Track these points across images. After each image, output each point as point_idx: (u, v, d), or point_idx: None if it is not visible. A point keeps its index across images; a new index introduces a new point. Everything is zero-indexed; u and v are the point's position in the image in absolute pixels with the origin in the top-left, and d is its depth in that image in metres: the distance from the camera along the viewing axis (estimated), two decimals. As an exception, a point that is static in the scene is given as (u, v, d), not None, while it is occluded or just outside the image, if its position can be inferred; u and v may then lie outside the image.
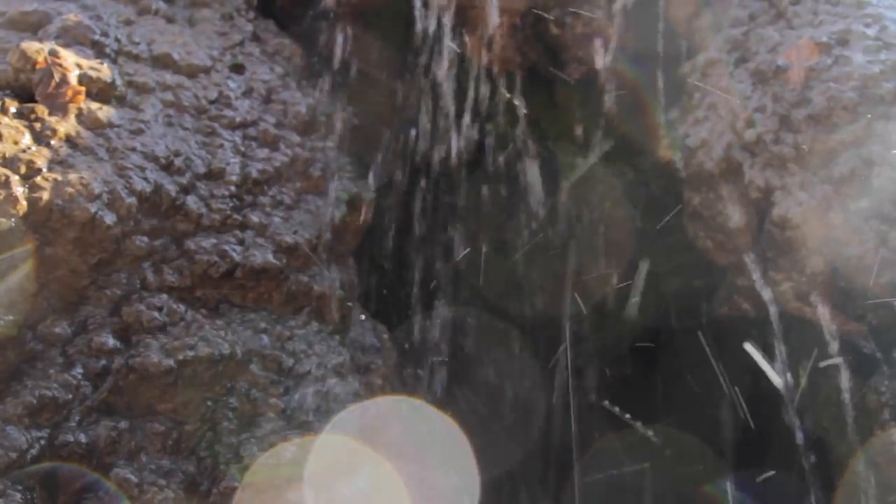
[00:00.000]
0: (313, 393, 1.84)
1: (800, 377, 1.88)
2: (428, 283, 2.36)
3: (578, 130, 2.40)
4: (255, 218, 1.94)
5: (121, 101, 1.93)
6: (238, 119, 2.06)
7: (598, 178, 2.41)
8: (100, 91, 1.90)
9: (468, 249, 2.40)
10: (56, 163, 1.73)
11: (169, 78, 2.03)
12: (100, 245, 1.73)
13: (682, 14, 2.30)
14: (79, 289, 1.73)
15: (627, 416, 2.33)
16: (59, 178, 1.70)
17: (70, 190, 1.70)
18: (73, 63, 1.88)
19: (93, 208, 1.71)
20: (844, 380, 1.80)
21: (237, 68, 2.17)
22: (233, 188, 1.95)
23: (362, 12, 2.36)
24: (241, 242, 1.91)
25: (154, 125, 1.93)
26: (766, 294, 1.92)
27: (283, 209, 2.00)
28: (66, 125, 1.80)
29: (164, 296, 1.79)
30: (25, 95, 1.82)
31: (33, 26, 2.01)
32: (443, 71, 2.30)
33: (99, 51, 1.99)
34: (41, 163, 1.71)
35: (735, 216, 2.04)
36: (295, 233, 1.97)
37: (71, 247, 1.70)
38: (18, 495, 1.51)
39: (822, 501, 1.83)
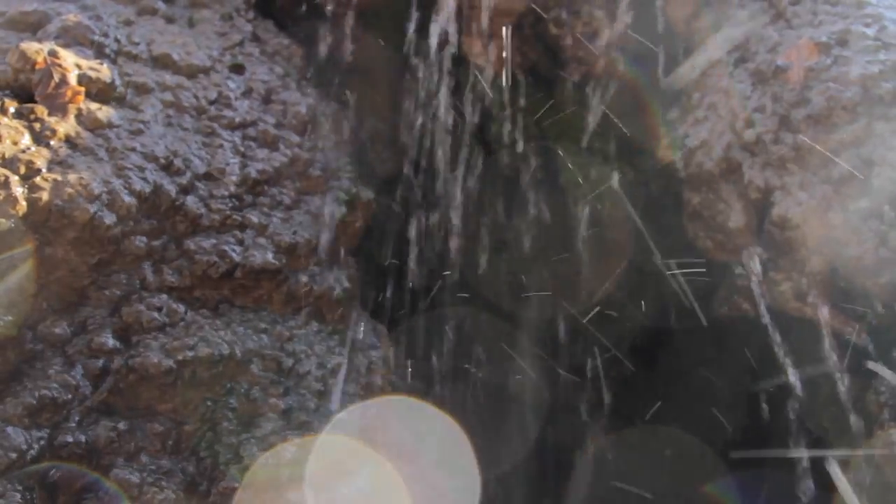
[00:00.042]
0: (313, 393, 1.84)
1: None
2: (428, 283, 2.35)
3: (578, 130, 2.40)
4: (254, 218, 1.94)
5: (120, 102, 1.93)
6: (238, 119, 2.06)
7: (598, 178, 2.41)
8: (99, 91, 1.90)
9: (468, 250, 2.40)
10: (56, 163, 1.73)
11: (168, 78, 2.03)
12: (99, 245, 1.73)
13: (682, 14, 2.30)
14: (79, 289, 1.73)
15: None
16: (59, 178, 1.70)
17: (69, 190, 1.70)
18: (72, 63, 1.88)
19: (92, 208, 1.71)
20: (844, 380, 1.80)
21: (237, 68, 2.17)
22: (232, 188, 1.95)
23: (362, 12, 2.36)
24: (240, 243, 1.91)
25: (153, 125, 1.92)
26: (758, 291, 1.92)
27: (282, 209, 2.00)
28: (66, 125, 1.80)
29: (164, 296, 1.79)
30: (25, 96, 1.82)
31: (33, 26, 2.01)
32: (443, 71, 2.30)
33: (98, 51, 1.99)
34: (41, 163, 1.71)
35: (735, 216, 2.04)
36: (294, 233, 1.97)
37: (71, 247, 1.70)
38: (18, 495, 1.51)
39: (822, 501, 1.83)
